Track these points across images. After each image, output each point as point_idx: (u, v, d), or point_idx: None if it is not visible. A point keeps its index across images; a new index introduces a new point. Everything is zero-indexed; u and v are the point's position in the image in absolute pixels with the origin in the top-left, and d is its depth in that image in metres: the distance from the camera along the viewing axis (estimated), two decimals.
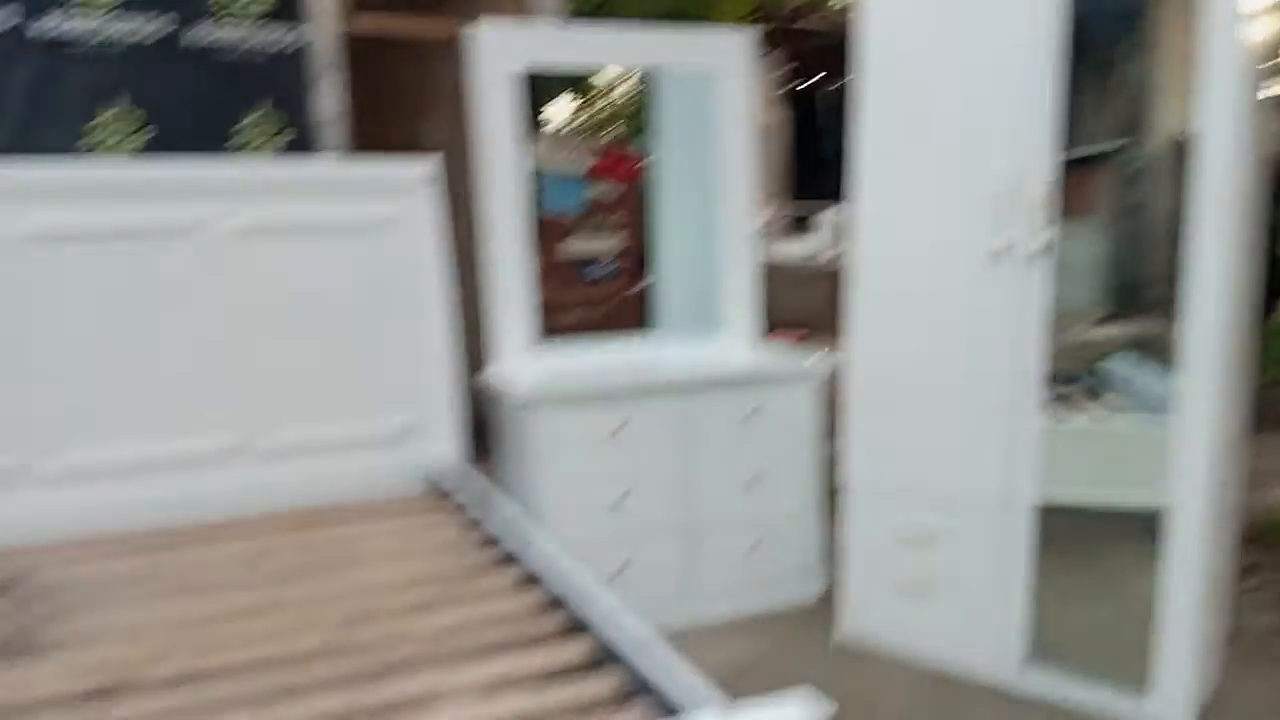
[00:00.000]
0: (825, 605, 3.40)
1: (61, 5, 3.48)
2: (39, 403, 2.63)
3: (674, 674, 1.70)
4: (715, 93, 3.61)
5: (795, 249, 9.43)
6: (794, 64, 12.36)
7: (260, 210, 2.79)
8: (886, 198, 3.02)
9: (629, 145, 6.40)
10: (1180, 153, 2.67)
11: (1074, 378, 3.40)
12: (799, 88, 12.96)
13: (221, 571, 2.36)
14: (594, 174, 5.77)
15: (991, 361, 2.87)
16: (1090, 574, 3.17)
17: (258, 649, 1.93)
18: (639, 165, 5.97)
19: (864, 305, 3.11)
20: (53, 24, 3.46)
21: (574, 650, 1.90)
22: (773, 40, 11.77)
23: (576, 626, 1.99)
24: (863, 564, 3.19)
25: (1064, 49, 2.65)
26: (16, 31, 3.43)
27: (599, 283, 5.89)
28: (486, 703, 1.73)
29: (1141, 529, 2.75)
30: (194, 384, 2.78)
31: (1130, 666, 2.76)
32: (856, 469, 3.17)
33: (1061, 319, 2.88)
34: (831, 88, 13.06)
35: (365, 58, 4.18)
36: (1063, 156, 2.72)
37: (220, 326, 2.79)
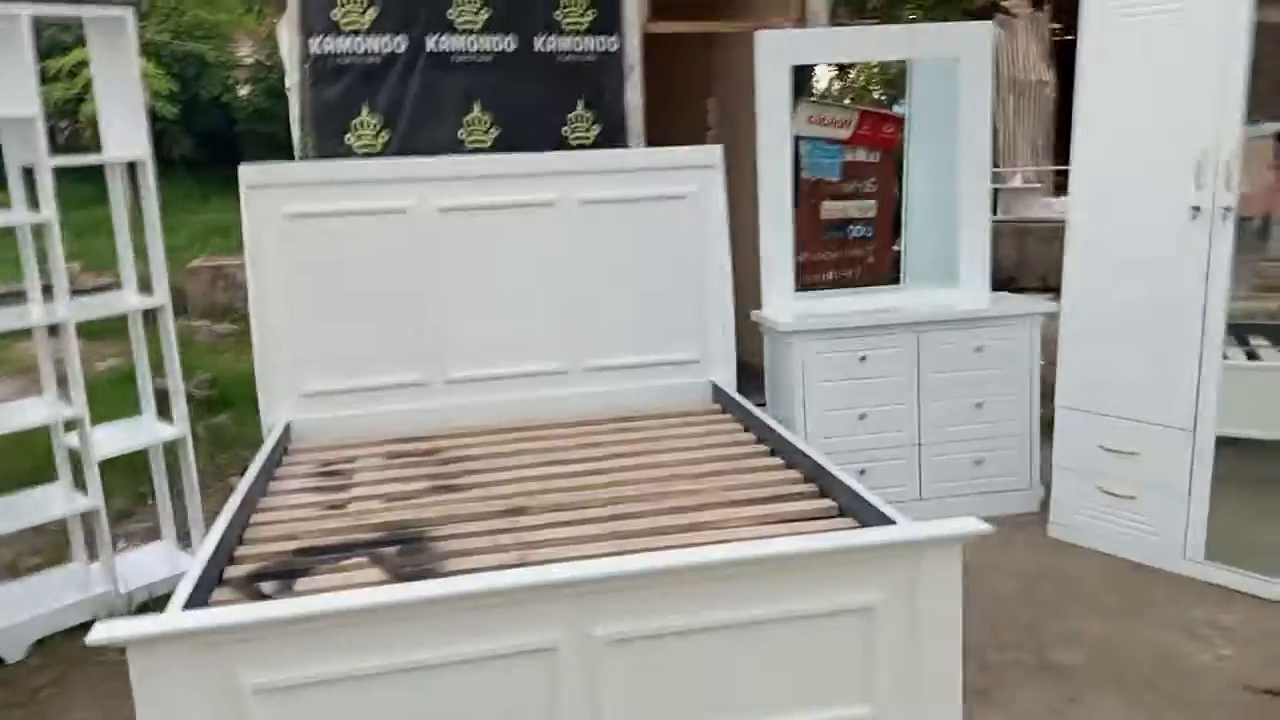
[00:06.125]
0: (1042, 514, 3.99)
1: (446, 28, 4.53)
2: (437, 336, 3.69)
3: (885, 508, 2.43)
4: (959, 75, 4.20)
5: (1056, 206, 9.63)
6: (1064, 20, 12.13)
7: (599, 188, 3.73)
8: (1102, 159, 3.63)
9: (888, 110, 6.81)
10: None
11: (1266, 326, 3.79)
12: (1072, 42, 12.67)
13: (567, 450, 3.32)
14: (853, 141, 6.32)
15: (1185, 306, 3.38)
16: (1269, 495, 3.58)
17: (602, 492, 2.85)
18: (895, 132, 6.48)
19: (1079, 253, 3.70)
20: (439, 42, 4.54)
21: (815, 504, 2.69)
22: None
23: (818, 491, 2.78)
24: (1071, 471, 3.80)
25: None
26: (415, 47, 4.52)
27: (855, 242, 6.49)
28: (757, 527, 2.56)
29: None
30: (538, 322, 3.76)
31: None
32: (1069, 393, 3.76)
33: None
34: None
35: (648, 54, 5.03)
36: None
37: (558, 279, 3.75)
